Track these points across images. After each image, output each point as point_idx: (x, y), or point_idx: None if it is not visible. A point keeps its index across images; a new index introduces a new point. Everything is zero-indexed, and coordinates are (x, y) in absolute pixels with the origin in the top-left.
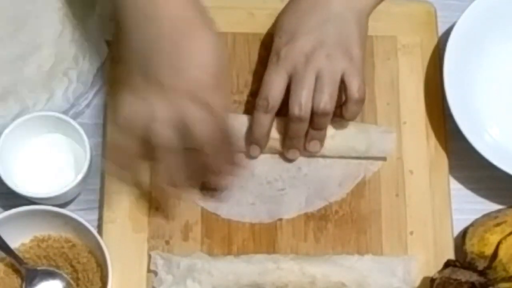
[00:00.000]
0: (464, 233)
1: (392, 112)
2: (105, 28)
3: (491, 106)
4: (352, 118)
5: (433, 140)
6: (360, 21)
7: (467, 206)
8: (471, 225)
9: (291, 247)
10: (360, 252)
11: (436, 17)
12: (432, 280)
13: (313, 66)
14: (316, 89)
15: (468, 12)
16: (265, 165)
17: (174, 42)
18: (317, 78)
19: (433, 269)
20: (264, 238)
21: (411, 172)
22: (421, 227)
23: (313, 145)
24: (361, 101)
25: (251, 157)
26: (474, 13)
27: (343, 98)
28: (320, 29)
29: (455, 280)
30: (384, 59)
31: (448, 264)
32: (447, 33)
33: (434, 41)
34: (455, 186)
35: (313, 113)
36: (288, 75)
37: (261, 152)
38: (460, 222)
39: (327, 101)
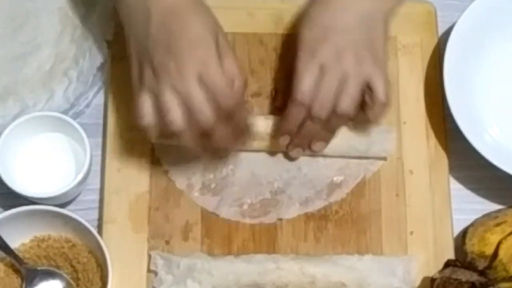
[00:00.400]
0: (464, 233)
1: (392, 112)
2: (105, 28)
3: (491, 106)
4: (377, 121)
5: (433, 140)
6: (386, 24)
7: (467, 206)
8: (471, 225)
9: (291, 247)
10: (360, 252)
11: (436, 17)
12: (432, 280)
13: (342, 67)
14: (341, 90)
15: (468, 12)
16: (265, 165)
17: (165, 25)
18: (344, 79)
19: (433, 269)
20: (264, 238)
21: (411, 172)
22: (421, 227)
23: (319, 145)
24: (387, 104)
25: (280, 145)
26: (474, 13)
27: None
28: (352, 30)
29: (456, 280)
30: None
31: (448, 264)
32: (447, 33)
33: (434, 41)
34: (455, 186)
35: (331, 113)
36: (319, 69)
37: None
38: (460, 222)
39: (350, 104)
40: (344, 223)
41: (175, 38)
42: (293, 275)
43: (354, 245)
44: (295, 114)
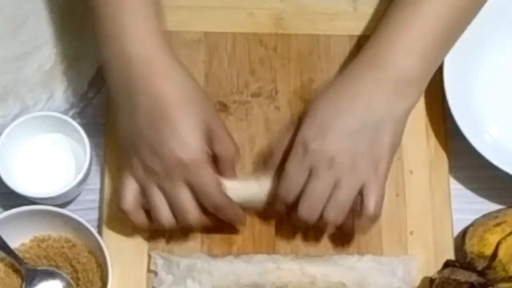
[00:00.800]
0: (464, 233)
1: None
2: None
3: (491, 106)
4: (363, 233)
5: (433, 140)
6: (396, 129)
7: (467, 206)
8: (471, 225)
9: (291, 247)
10: (360, 252)
11: None
12: (431, 280)
13: (336, 172)
14: (331, 198)
15: None
16: None
17: (152, 124)
18: (336, 186)
19: (433, 269)
20: (264, 238)
21: (411, 172)
22: (421, 227)
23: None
24: (376, 218)
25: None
26: None
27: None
28: (353, 135)
29: (454, 280)
30: None
31: (447, 264)
32: None
33: None
34: (455, 186)
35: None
36: (309, 170)
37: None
38: (460, 222)
39: (339, 214)
40: None
41: (162, 140)
42: (293, 275)
43: (354, 245)
44: (279, 207)
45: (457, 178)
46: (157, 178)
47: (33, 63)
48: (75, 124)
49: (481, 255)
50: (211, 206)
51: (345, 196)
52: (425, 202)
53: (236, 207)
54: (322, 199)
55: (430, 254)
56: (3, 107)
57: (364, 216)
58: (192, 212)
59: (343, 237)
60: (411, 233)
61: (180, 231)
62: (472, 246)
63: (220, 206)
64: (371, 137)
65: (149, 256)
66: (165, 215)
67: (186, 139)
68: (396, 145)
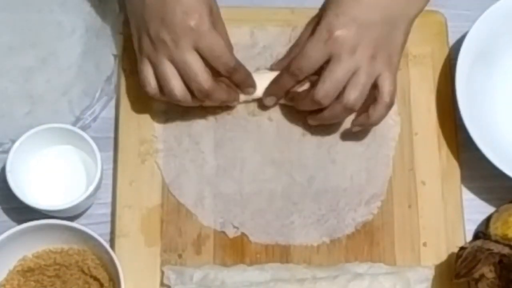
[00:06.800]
0: (488, 218)
1: (403, 123)
2: (113, 41)
3: (503, 115)
4: (377, 122)
5: (445, 151)
6: (407, 30)
7: (480, 216)
8: (496, 211)
9: (304, 259)
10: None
11: (447, 27)
12: (461, 248)
13: (356, 60)
14: (350, 83)
15: (480, 22)
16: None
17: None
18: (354, 74)
19: (446, 280)
20: (277, 251)
21: (423, 183)
22: (434, 238)
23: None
24: (390, 105)
25: (265, 105)
26: (485, 23)
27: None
28: (374, 28)
29: (488, 249)
30: None
31: (477, 236)
32: (458, 43)
33: (445, 51)
34: (468, 197)
35: (335, 103)
36: (329, 56)
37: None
38: (473, 233)
39: (358, 99)
40: (357, 235)
41: (169, 9)
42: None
43: (367, 257)
44: (286, 82)
45: (469, 189)
46: (167, 51)
47: (40, 76)
48: (85, 136)
49: (505, 237)
50: (222, 67)
51: (365, 80)
52: (438, 213)
53: (246, 69)
54: (340, 83)
55: (443, 265)
56: (8, 120)
57: (380, 104)
58: (202, 75)
59: (356, 247)
60: (424, 244)
61: (192, 241)
62: (496, 229)
63: (231, 65)
64: (388, 32)
65: (162, 272)
66: (176, 85)
67: (192, 5)
68: (404, 44)
